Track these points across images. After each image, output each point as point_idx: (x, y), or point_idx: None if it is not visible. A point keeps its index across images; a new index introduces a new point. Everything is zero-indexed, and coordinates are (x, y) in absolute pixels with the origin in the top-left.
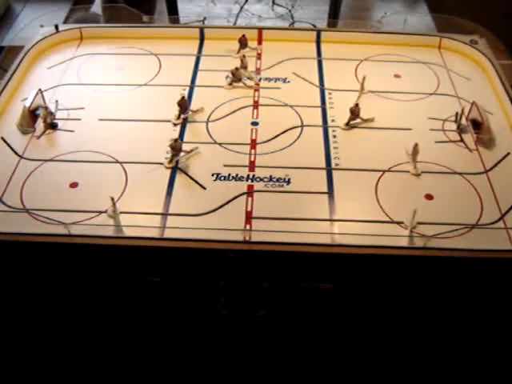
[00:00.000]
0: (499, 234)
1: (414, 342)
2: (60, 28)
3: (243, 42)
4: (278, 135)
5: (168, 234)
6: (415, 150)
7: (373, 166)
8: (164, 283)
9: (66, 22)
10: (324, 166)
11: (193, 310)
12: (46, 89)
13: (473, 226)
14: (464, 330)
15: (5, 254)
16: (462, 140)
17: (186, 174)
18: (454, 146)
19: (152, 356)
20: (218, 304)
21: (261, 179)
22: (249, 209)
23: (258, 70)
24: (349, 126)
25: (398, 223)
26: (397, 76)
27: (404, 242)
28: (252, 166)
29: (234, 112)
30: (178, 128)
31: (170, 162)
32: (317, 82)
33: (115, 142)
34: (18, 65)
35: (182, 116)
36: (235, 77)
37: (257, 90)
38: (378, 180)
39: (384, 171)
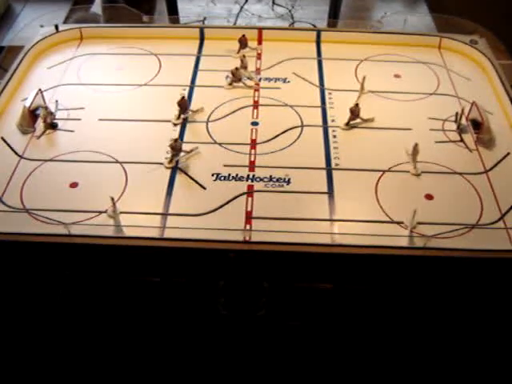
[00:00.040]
0: (499, 234)
1: (415, 341)
2: (60, 28)
3: (243, 42)
4: (277, 135)
5: (168, 234)
6: (415, 150)
7: (373, 165)
8: (164, 283)
9: (65, 21)
10: (324, 166)
11: (193, 310)
12: (46, 89)
13: (473, 226)
14: (464, 330)
15: (5, 254)
16: (462, 140)
17: (186, 174)
18: (454, 146)
19: (152, 356)
20: (217, 304)
21: (261, 179)
22: (249, 209)
23: (257, 70)
24: (349, 125)
25: (398, 223)
26: (397, 76)
27: (404, 242)
28: (252, 165)
29: (234, 112)
30: (178, 128)
31: (170, 161)
32: (317, 82)
33: (115, 141)
34: (18, 65)
35: (182, 116)
36: (235, 77)
37: (257, 90)
38: (378, 180)
39: (384, 171)
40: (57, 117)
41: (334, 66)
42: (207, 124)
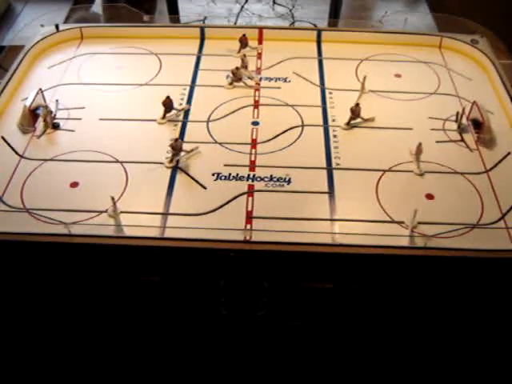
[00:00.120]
0: (500, 234)
1: (415, 341)
2: (60, 27)
3: (244, 42)
4: (278, 135)
5: (168, 233)
6: (419, 150)
7: (373, 165)
8: (164, 283)
9: (66, 21)
10: (324, 165)
11: (193, 309)
12: (46, 88)
13: (473, 225)
14: (464, 330)
15: (5, 254)
16: (462, 140)
17: (187, 173)
18: (455, 145)
19: (152, 356)
20: (218, 304)
21: (261, 179)
22: (249, 208)
23: (258, 70)
24: (349, 125)
25: (399, 223)
26: (397, 76)
27: (405, 242)
28: (252, 165)
29: (234, 112)
30: (179, 127)
31: (171, 161)
32: (317, 82)
33: (116, 141)
34: (19, 64)
35: (167, 115)
36: (236, 76)
37: (257, 89)
38: (379, 180)
39: (385, 171)
40: (57, 116)
41: (334, 66)
42: (208, 124)
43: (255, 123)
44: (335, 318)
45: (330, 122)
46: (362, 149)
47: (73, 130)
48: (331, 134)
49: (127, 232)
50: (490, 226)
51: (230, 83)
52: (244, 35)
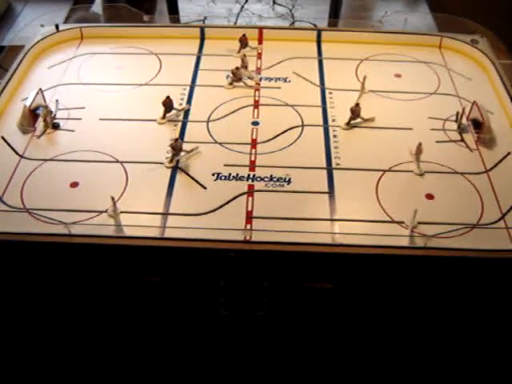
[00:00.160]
0: (500, 234)
1: (415, 341)
2: (60, 27)
3: (244, 42)
4: (278, 135)
5: (168, 233)
6: (419, 150)
7: (373, 165)
8: (164, 283)
9: (66, 21)
10: (324, 165)
11: (193, 309)
12: (46, 88)
13: (473, 225)
14: (464, 330)
15: (5, 254)
16: (462, 140)
17: (187, 173)
18: (455, 145)
19: (152, 356)
20: (218, 304)
21: (261, 179)
22: (249, 208)
23: (258, 70)
24: (349, 125)
25: (399, 223)
26: (397, 76)
27: (405, 242)
28: (252, 165)
29: (234, 112)
30: (179, 127)
31: (171, 161)
32: (317, 82)
33: (116, 141)
34: (19, 64)
35: (167, 115)
36: (236, 76)
37: (257, 89)
38: (379, 180)
39: (385, 171)
40: (57, 116)
41: (334, 66)
42: (208, 124)
43: (255, 123)
44: (335, 318)
45: (329, 122)
46: (361, 149)
47: (73, 130)
48: (331, 134)
49: (127, 232)
50: (489, 226)
51: (230, 83)
52: (244, 35)
